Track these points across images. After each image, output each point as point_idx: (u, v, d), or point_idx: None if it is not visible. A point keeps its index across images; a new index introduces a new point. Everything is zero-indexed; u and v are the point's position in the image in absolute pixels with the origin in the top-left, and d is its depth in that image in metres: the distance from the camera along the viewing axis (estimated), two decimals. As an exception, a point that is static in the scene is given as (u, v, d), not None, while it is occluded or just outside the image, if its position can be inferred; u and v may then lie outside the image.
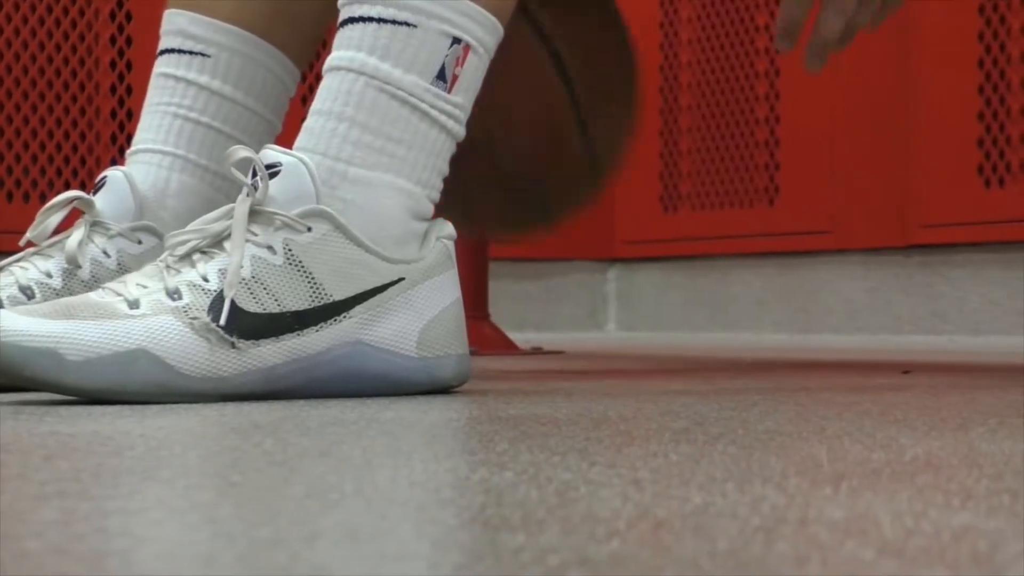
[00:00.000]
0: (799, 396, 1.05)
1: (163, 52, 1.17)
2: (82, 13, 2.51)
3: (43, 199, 2.45)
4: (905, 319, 2.48)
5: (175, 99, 1.16)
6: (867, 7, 1.24)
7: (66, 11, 2.50)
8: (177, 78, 1.16)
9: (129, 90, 2.52)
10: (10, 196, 2.47)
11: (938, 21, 2.40)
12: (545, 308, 2.90)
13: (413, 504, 0.51)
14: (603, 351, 2.20)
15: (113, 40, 2.53)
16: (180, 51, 1.16)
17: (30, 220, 1.12)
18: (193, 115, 1.16)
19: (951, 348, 2.20)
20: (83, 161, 2.51)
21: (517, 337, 2.23)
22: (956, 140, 2.37)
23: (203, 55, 1.16)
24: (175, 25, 1.17)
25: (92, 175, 2.48)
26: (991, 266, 2.37)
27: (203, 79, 1.16)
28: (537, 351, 2.09)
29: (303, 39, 1.19)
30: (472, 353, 1.09)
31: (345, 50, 1.01)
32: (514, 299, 2.83)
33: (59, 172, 2.49)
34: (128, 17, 2.53)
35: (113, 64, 2.52)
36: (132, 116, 2.50)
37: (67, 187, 2.48)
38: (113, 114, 2.52)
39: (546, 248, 2.89)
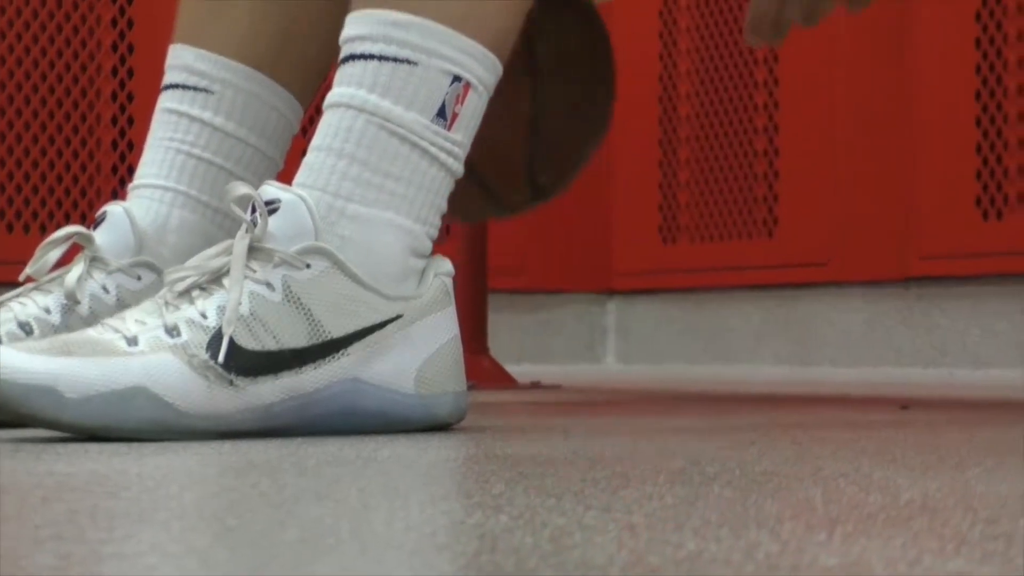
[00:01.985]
0: (796, 433, 1.05)
1: (168, 87, 1.18)
2: (84, 44, 2.52)
3: (43, 230, 2.45)
4: (904, 352, 2.48)
5: (178, 134, 1.16)
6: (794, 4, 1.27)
7: (68, 42, 2.50)
8: (181, 113, 1.16)
9: (130, 121, 2.52)
10: (10, 227, 2.48)
11: (935, 54, 2.41)
12: (544, 340, 2.91)
13: (408, 549, 0.51)
14: (601, 385, 2.20)
15: (115, 71, 2.53)
16: (185, 87, 1.17)
17: (30, 251, 1.13)
18: (196, 151, 1.16)
19: (951, 381, 2.20)
20: (83, 192, 2.51)
21: (516, 370, 2.23)
22: (954, 172, 2.37)
23: (207, 91, 1.16)
24: (180, 60, 1.17)
25: (92, 206, 2.48)
26: (990, 298, 2.37)
27: (207, 115, 1.16)
28: (535, 385, 2.09)
29: (307, 76, 1.20)
30: (470, 387, 1.09)
31: (346, 87, 1.01)
32: (513, 331, 2.83)
33: (59, 203, 2.50)
34: (130, 49, 2.54)
35: (114, 95, 2.53)
36: (133, 147, 2.51)
37: (67, 218, 2.48)
38: (114, 145, 2.53)
39: (544, 280, 2.89)
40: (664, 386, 2.09)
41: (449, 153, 1.02)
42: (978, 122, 2.36)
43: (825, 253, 2.57)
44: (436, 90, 1.01)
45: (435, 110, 1.01)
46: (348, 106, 1.01)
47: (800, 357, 2.63)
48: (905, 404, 1.47)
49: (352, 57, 1.02)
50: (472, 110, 1.02)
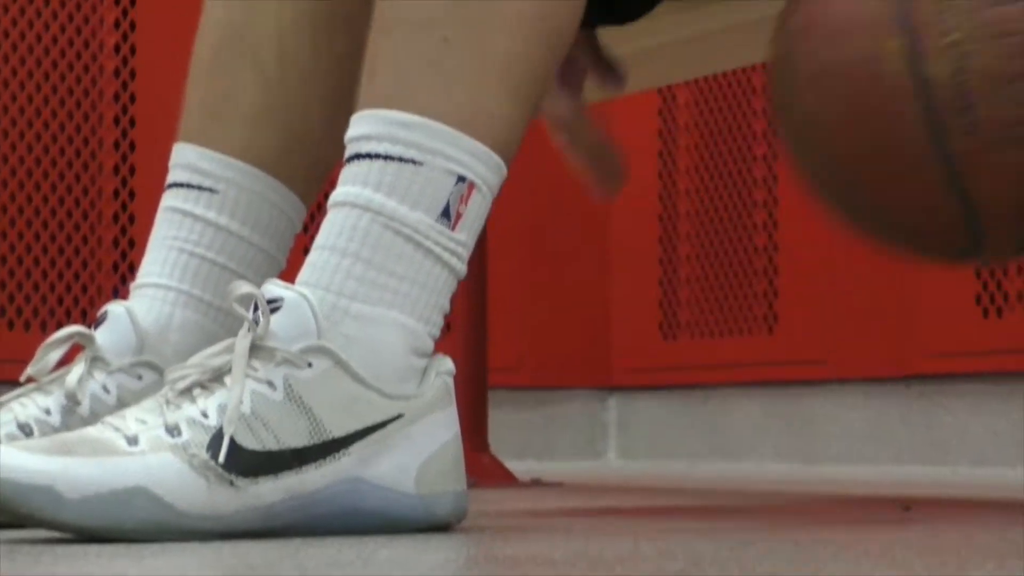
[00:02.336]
0: (797, 533, 1.04)
1: (171, 186, 1.18)
2: (86, 142, 2.53)
3: (44, 327, 2.45)
4: (906, 449, 2.47)
5: (182, 233, 1.16)
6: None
7: (70, 140, 2.52)
8: (184, 212, 1.17)
9: (131, 219, 2.53)
10: (11, 324, 2.48)
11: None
12: (545, 436, 2.90)
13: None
14: (603, 482, 2.19)
15: (116, 169, 2.55)
16: (188, 185, 1.17)
17: (30, 348, 1.13)
18: (199, 250, 1.16)
19: (953, 480, 2.19)
20: (84, 289, 2.52)
21: (517, 466, 2.23)
22: (954, 271, 2.38)
23: (211, 190, 1.17)
24: (184, 159, 1.18)
25: (93, 303, 2.49)
26: (991, 397, 2.37)
27: (210, 214, 1.16)
28: (536, 483, 2.08)
29: (311, 175, 1.20)
30: (471, 485, 1.09)
31: (351, 185, 1.02)
32: (514, 428, 2.83)
33: (60, 300, 2.50)
34: (132, 147, 2.55)
35: (116, 193, 2.54)
36: (134, 245, 2.51)
37: (68, 315, 2.49)
38: (115, 243, 2.54)
39: (545, 376, 2.89)
40: (666, 483, 2.09)
41: (453, 253, 1.02)
42: (977, 219, 2.36)
43: (826, 350, 2.58)
44: (441, 190, 1.01)
45: (440, 210, 1.01)
46: (353, 205, 1.01)
47: (802, 454, 2.62)
48: (907, 504, 1.46)
49: (357, 156, 1.02)
50: (476, 210, 1.03)
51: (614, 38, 1.58)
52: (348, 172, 1.02)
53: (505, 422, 2.73)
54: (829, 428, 2.59)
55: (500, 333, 2.33)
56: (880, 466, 2.48)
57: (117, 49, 2.56)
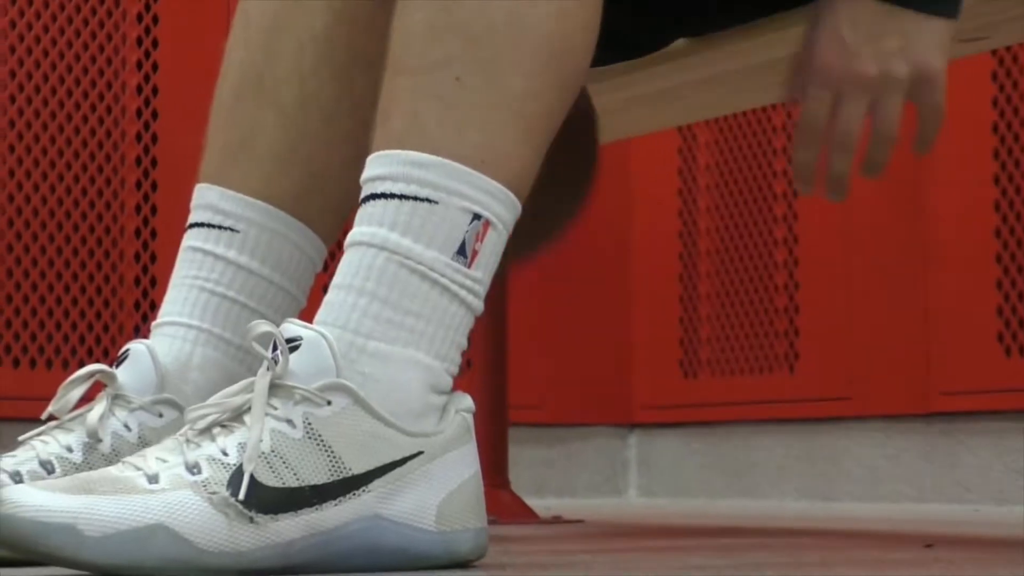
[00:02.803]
0: (819, 572, 1.04)
1: (192, 226, 1.19)
2: (108, 182, 2.54)
3: (66, 366, 2.46)
4: (928, 487, 2.46)
5: (202, 273, 1.17)
6: (879, 145, 1.22)
7: (92, 180, 2.53)
8: (205, 252, 1.17)
9: (153, 258, 2.54)
10: (33, 363, 2.49)
11: (954, 188, 2.42)
12: (565, 474, 2.90)
13: None
14: (623, 519, 2.19)
15: (138, 208, 2.56)
16: (209, 225, 1.18)
17: (52, 387, 1.13)
18: (220, 289, 1.17)
19: (975, 518, 2.18)
20: (106, 328, 2.52)
21: (537, 503, 2.22)
22: (975, 308, 2.38)
23: (232, 230, 1.17)
24: (205, 199, 1.19)
25: (115, 342, 2.49)
26: (1013, 434, 2.36)
27: (231, 254, 1.17)
28: (557, 519, 2.08)
29: (330, 214, 1.21)
30: (491, 522, 1.09)
31: (367, 225, 1.02)
32: (534, 465, 2.83)
33: (82, 339, 2.51)
34: (154, 186, 2.56)
35: (138, 232, 2.55)
36: (156, 284, 2.52)
37: (90, 354, 2.49)
38: (137, 281, 2.55)
39: (566, 414, 2.89)
40: (686, 521, 2.08)
41: (469, 290, 1.03)
42: (998, 258, 2.36)
43: (847, 387, 2.57)
44: (456, 228, 1.02)
45: (455, 248, 1.02)
46: (369, 244, 1.02)
47: (823, 492, 2.62)
48: (929, 542, 1.46)
49: (373, 196, 1.03)
50: (492, 248, 1.03)
51: (636, 78, 1.59)
52: (364, 212, 1.03)
53: (525, 459, 2.73)
54: (850, 466, 2.58)
55: (520, 370, 2.33)
56: (902, 504, 2.47)
57: (139, 90, 2.57)
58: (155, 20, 2.59)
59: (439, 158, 1.02)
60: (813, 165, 1.23)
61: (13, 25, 2.51)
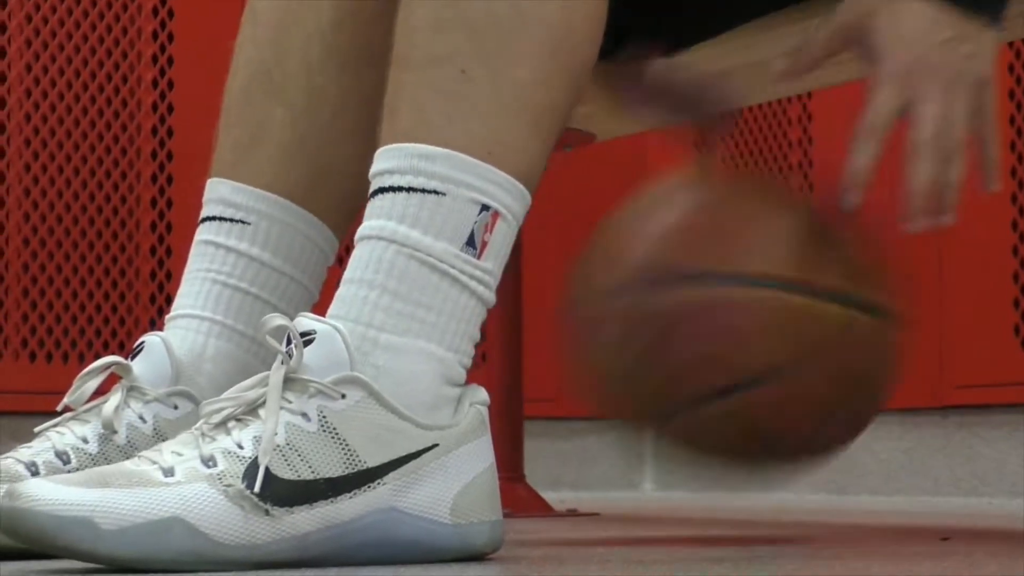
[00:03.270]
0: (835, 565, 1.04)
1: (205, 219, 1.19)
2: (124, 176, 2.55)
3: (82, 359, 2.47)
4: (943, 481, 2.46)
5: (215, 265, 1.17)
6: (957, 157, 1.13)
7: (108, 174, 2.54)
8: (218, 245, 1.18)
9: (168, 252, 2.55)
10: (49, 356, 2.49)
11: (970, 180, 2.41)
12: (580, 467, 2.89)
13: None
14: (639, 512, 2.19)
15: (154, 202, 2.56)
16: (221, 219, 1.18)
17: (68, 380, 1.13)
18: (232, 281, 1.17)
19: (990, 511, 2.18)
20: (122, 321, 2.53)
21: (552, 497, 2.22)
22: (991, 301, 2.37)
23: (244, 223, 1.18)
24: (217, 193, 1.19)
25: (131, 335, 2.50)
26: (1029, 427, 2.36)
27: (243, 246, 1.17)
28: (572, 513, 2.08)
29: (342, 207, 1.21)
30: (506, 515, 1.09)
31: (376, 219, 1.03)
32: (549, 457, 2.83)
33: (98, 332, 2.52)
34: (169, 180, 2.57)
35: (153, 226, 2.56)
36: (171, 277, 2.53)
37: (105, 347, 2.50)
38: (152, 275, 2.55)
39: (581, 407, 2.88)
40: (702, 514, 2.08)
41: (480, 281, 1.03)
42: (1015, 250, 2.36)
43: (862, 380, 2.56)
44: (465, 220, 1.02)
45: (464, 239, 1.02)
46: (379, 238, 1.02)
47: (838, 485, 2.61)
48: (945, 536, 1.46)
49: (382, 190, 1.03)
50: (502, 239, 1.03)
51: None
52: (373, 206, 1.03)
53: (541, 452, 2.73)
54: (866, 459, 2.58)
55: (535, 363, 2.33)
56: (917, 497, 2.47)
57: (155, 84, 2.57)
58: (170, 14, 2.59)
59: (445, 150, 1.02)
60: (871, 174, 1.11)
61: (29, 19, 2.51)
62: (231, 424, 0.98)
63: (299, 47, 1.19)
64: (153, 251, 2.55)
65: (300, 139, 1.19)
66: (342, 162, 1.20)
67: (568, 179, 2.71)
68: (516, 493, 2.01)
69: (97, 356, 2.43)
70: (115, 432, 1.11)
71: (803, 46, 1.16)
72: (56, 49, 2.52)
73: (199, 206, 1.21)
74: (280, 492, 0.96)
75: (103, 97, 2.54)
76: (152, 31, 2.58)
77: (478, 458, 1.04)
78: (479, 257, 1.02)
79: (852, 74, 1.36)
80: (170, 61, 2.58)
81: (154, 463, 0.96)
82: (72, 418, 1.12)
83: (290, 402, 0.98)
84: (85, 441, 1.10)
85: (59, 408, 1.12)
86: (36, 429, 1.12)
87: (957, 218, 1.15)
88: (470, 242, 1.02)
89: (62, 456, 1.09)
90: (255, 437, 0.97)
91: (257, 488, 0.95)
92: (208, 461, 0.96)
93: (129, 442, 1.11)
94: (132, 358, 1.14)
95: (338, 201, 1.21)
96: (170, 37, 2.59)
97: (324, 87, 1.19)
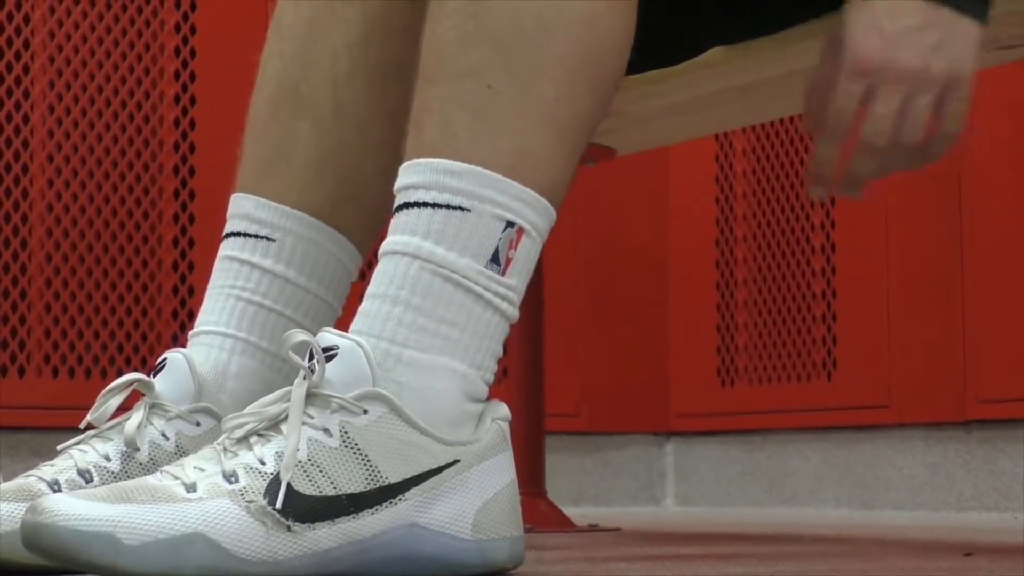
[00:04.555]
0: (857, 580, 1.04)
1: (229, 235, 1.19)
2: (146, 191, 2.56)
3: (104, 375, 2.47)
4: (967, 495, 2.45)
5: (239, 282, 1.17)
6: (901, 154, 1.15)
7: (131, 189, 2.54)
8: (242, 261, 1.18)
9: (191, 267, 2.55)
10: (71, 372, 2.50)
11: (994, 195, 2.41)
12: (602, 482, 2.89)
13: None
14: (660, 528, 2.18)
15: (176, 218, 2.57)
16: (246, 235, 1.18)
17: (91, 395, 1.14)
18: (256, 298, 1.17)
19: (1014, 526, 2.17)
20: (144, 337, 2.54)
21: (573, 512, 2.22)
22: (1015, 315, 2.36)
23: (268, 239, 1.18)
24: (241, 209, 1.19)
25: (153, 351, 2.51)
26: (1052, 442, 2.35)
27: (267, 263, 1.17)
28: (593, 528, 2.08)
29: (366, 223, 1.21)
30: (527, 530, 1.09)
31: (401, 234, 1.03)
32: (570, 473, 2.82)
33: (120, 348, 2.52)
34: (191, 195, 2.58)
35: (176, 241, 2.56)
36: (194, 293, 2.53)
37: (128, 363, 2.51)
38: (175, 291, 2.56)
39: (602, 422, 2.88)
40: (724, 529, 2.08)
41: (504, 298, 1.03)
42: (1036, 264, 2.35)
43: (885, 395, 2.56)
44: (489, 236, 1.02)
45: (489, 256, 1.02)
46: (403, 253, 1.02)
47: (861, 500, 2.61)
48: (968, 551, 1.45)
49: (406, 205, 1.03)
50: (526, 255, 1.03)
51: (673, 86, 1.58)
52: (397, 221, 1.03)
53: (562, 467, 2.73)
54: (889, 474, 2.57)
55: (557, 379, 2.33)
56: (941, 512, 2.46)
57: (177, 99, 2.58)
58: (193, 30, 2.60)
59: (471, 166, 1.02)
60: (833, 164, 1.15)
61: (52, 36, 2.52)
62: (253, 439, 0.98)
63: (326, 61, 1.19)
64: (175, 266, 2.56)
65: (326, 154, 1.19)
66: (368, 177, 1.20)
67: (590, 194, 2.71)
68: (537, 508, 2.01)
69: (119, 372, 2.44)
70: (137, 449, 1.11)
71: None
72: (79, 65, 2.53)
73: (221, 221, 1.21)
74: (302, 508, 0.96)
75: (125, 112, 2.55)
76: (174, 47, 2.58)
77: (499, 474, 1.04)
78: (503, 274, 1.02)
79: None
80: (192, 76, 2.59)
81: (176, 478, 0.96)
82: (94, 436, 1.12)
83: (312, 417, 0.98)
84: (107, 459, 1.10)
85: (82, 426, 1.13)
86: (59, 447, 1.12)
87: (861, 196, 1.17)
88: (494, 259, 1.02)
89: (84, 474, 1.09)
90: (277, 453, 0.97)
91: (279, 504, 0.95)
92: (230, 477, 0.96)
93: (151, 459, 1.11)
94: (154, 375, 1.14)
95: (363, 217, 1.21)
96: (192, 53, 2.59)
97: (350, 102, 1.19)
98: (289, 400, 0.99)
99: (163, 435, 1.12)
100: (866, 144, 1.14)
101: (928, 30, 1.11)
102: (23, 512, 0.95)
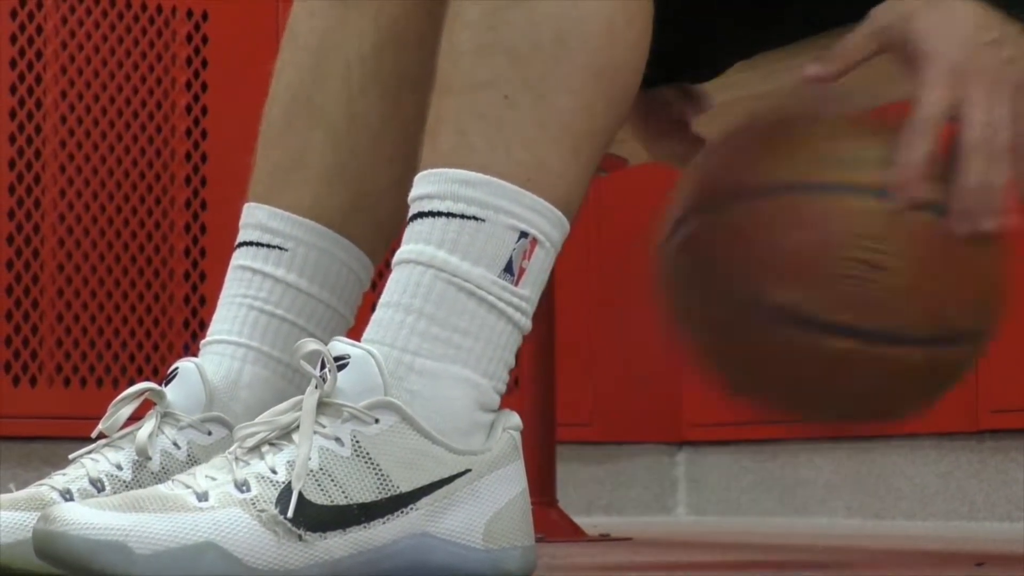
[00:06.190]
0: (869, 590, 1.04)
1: (241, 244, 1.20)
2: (158, 201, 2.56)
3: (116, 384, 2.48)
4: (979, 505, 2.45)
5: (251, 291, 1.17)
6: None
7: (142, 199, 2.55)
8: (254, 271, 1.18)
9: (202, 276, 2.56)
10: (83, 381, 2.50)
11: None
12: (613, 491, 2.89)
13: None
14: (672, 537, 2.18)
15: (188, 227, 2.58)
16: (258, 244, 1.18)
17: (103, 405, 1.14)
18: (268, 308, 1.17)
19: (1026, 535, 2.16)
20: (156, 346, 2.54)
21: (585, 521, 2.22)
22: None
23: (281, 248, 1.18)
24: (254, 218, 1.19)
25: (165, 360, 2.51)
26: (1065, 451, 2.34)
27: (279, 272, 1.17)
28: (605, 537, 2.08)
29: (378, 233, 1.21)
30: (539, 540, 1.09)
31: (414, 243, 1.03)
32: (582, 482, 2.82)
33: (132, 357, 2.53)
34: (203, 205, 2.58)
35: (187, 251, 2.57)
36: (205, 302, 2.54)
37: (140, 372, 2.51)
38: (186, 300, 2.56)
39: (614, 431, 2.88)
40: (735, 539, 2.07)
41: (516, 308, 1.03)
42: None
43: (897, 404, 2.55)
44: (503, 246, 1.02)
45: (502, 266, 1.02)
46: (416, 262, 1.02)
47: (873, 509, 2.60)
48: (980, 561, 1.45)
49: (420, 215, 1.03)
50: (540, 266, 1.03)
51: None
52: (411, 230, 1.03)
53: (573, 477, 2.73)
54: (900, 483, 2.57)
55: (568, 388, 2.33)
56: (952, 522, 2.46)
57: (189, 109, 2.59)
58: (204, 40, 2.61)
59: (486, 176, 1.02)
60: (924, 168, 1.07)
61: (64, 46, 2.53)
62: (265, 448, 0.98)
63: (340, 72, 1.19)
64: (187, 276, 2.56)
65: (340, 164, 1.19)
66: (381, 188, 1.20)
67: (602, 204, 2.71)
68: (549, 518, 2.01)
69: (131, 381, 2.44)
70: (149, 459, 1.11)
71: (837, 47, 1.12)
72: (91, 76, 2.54)
73: (233, 231, 1.21)
74: (313, 517, 0.96)
75: (137, 123, 2.55)
76: (186, 57, 2.59)
77: (511, 483, 1.04)
78: (516, 284, 1.02)
79: (887, 95, 1.34)
80: (204, 87, 2.60)
81: (188, 487, 0.96)
82: (106, 445, 1.12)
83: (324, 427, 0.98)
84: (119, 468, 1.10)
85: (93, 435, 1.13)
86: (71, 456, 1.12)
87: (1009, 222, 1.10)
88: (508, 269, 1.02)
89: (96, 483, 1.09)
90: (289, 462, 0.97)
91: (290, 513, 0.96)
92: (242, 486, 0.96)
93: (163, 468, 1.11)
94: (166, 384, 1.14)
95: (376, 227, 1.21)
96: (204, 63, 2.60)
97: (365, 112, 1.19)
98: (301, 409, 0.99)
99: (175, 444, 1.12)
100: (969, 148, 1.07)
101: (1003, 44, 1.08)
102: (35, 521, 0.95)
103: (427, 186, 1.03)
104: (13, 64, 2.51)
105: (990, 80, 1.08)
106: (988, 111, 1.07)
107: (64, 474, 1.10)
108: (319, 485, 0.97)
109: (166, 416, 1.13)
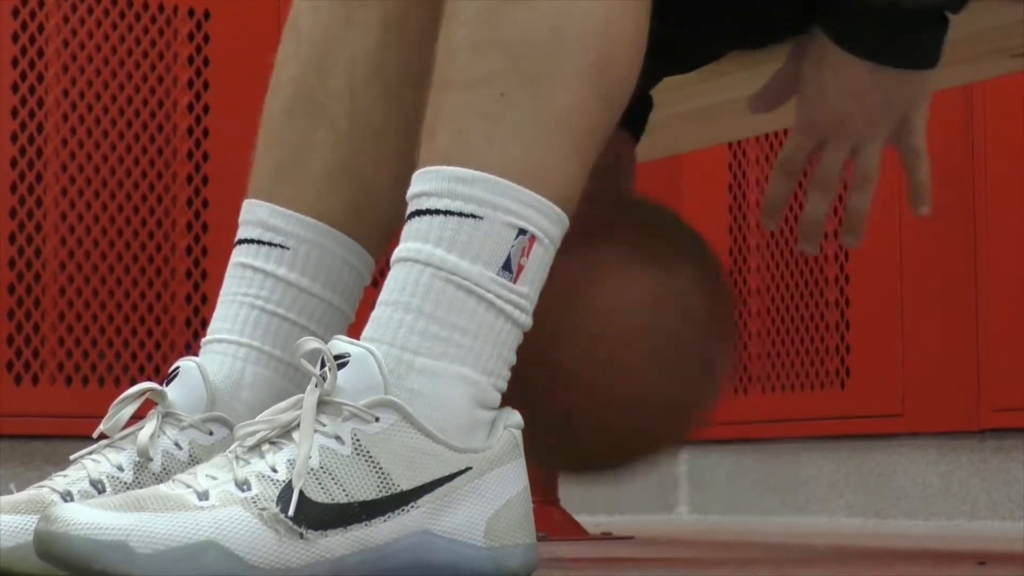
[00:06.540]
0: (870, 589, 1.04)
1: (241, 242, 1.19)
2: (159, 200, 2.56)
3: (117, 383, 2.48)
4: (981, 504, 2.45)
5: (252, 290, 1.17)
6: (860, 191, 1.30)
7: (144, 198, 2.55)
8: (255, 269, 1.17)
9: (204, 275, 2.56)
10: (85, 380, 2.50)
11: (1006, 205, 2.41)
12: (615, 490, 2.89)
13: None
14: (674, 536, 2.18)
15: (189, 226, 2.58)
16: (259, 242, 1.18)
17: (104, 404, 1.14)
18: (269, 306, 1.17)
19: (1027, 535, 2.16)
20: (157, 345, 2.54)
21: (587, 520, 2.22)
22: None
23: (282, 247, 1.17)
24: (255, 216, 1.19)
25: (166, 359, 2.51)
26: (1067, 450, 2.34)
27: (280, 271, 1.17)
28: (607, 536, 2.08)
29: (379, 230, 1.21)
30: (540, 538, 1.09)
31: (413, 242, 1.03)
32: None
33: (134, 356, 2.53)
34: (205, 204, 2.58)
35: (189, 250, 2.57)
36: (207, 301, 2.54)
37: (141, 371, 2.51)
38: (188, 299, 2.56)
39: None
40: (737, 538, 2.08)
41: (516, 305, 1.03)
42: (1050, 272, 2.35)
43: (899, 404, 2.56)
44: (501, 244, 1.02)
45: (500, 263, 1.02)
46: (415, 261, 1.02)
47: (874, 509, 2.60)
48: (982, 560, 1.45)
49: (418, 213, 1.03)
50: (538, 263, 1.03)
51: (687, 94, 1.58)
52: (409, 228, 1.03)
53: (576, 477, 2.72)
54: (902, 483, 2.57)
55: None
56: (954, 521, 2.46)
57: (191, 107, 2.59)
58: (206, 39, 2.61)
59: (483, 173, 1.02)
60: (784, 202, 1.33)
61: (66, 44, 2.53)
62: (265, 447, 0.98)
63: (343, 68, 1.19)
64: (189, 275, 2.56)
65: (342, 162, 1.19)
66: (383, 185, 1.20)
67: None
68: (550, 516, 2.01)
69: (133, 380, 2.44)
70: (150, 459, 1.11)
71: (764, 88, 1.32)
72: (92, 74, 2.54)
73: (235, 230, 1.21)
74: (314, 516, 0.96)
75: (139, 121, 2.55)
76: (188, 55, 2.59)
77: (512, 481, 1.04)
78: (515, 281, 1.02)
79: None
80: (205, 85, 2.60)
81: (188, 487, 0.96)
82: (107, 446, 1.12)
83: (324, 425, 0.98)
84: (120, 469, 1.10)
85: (95, 435, 1.13)
86: (72, 457, 1.12)
87: (860, 245, 1.35)
88: (506, 266, 1.02)
89: (97, 485, 1.09)
90: (289, 460, 0.97)
91: (291, 512, 0.96)
92: (242, 485, 0.96)
93: (164, 469, 1.11)
94: (167, 383, 1.14)
95: (377, 224, 1.21)
96: (205, 61, 2.60)
97: (367, 109, 1.19)
98: (301, 408, 0.99)
99: (176, 444, 1.12)
100: (817, 186, 1.30)
101: (873, 92, 1.20)
102: (35, 524, 0.95)
103: (425, 184, 1.03)
104: (15, 62, 2.51)
105: (861, 125, 1.26)
106: (833, 152, 1.28)
107: (65, 475, 1.10)
108: (320, 483, 0.97)
109: (167, 416, 1.12)
